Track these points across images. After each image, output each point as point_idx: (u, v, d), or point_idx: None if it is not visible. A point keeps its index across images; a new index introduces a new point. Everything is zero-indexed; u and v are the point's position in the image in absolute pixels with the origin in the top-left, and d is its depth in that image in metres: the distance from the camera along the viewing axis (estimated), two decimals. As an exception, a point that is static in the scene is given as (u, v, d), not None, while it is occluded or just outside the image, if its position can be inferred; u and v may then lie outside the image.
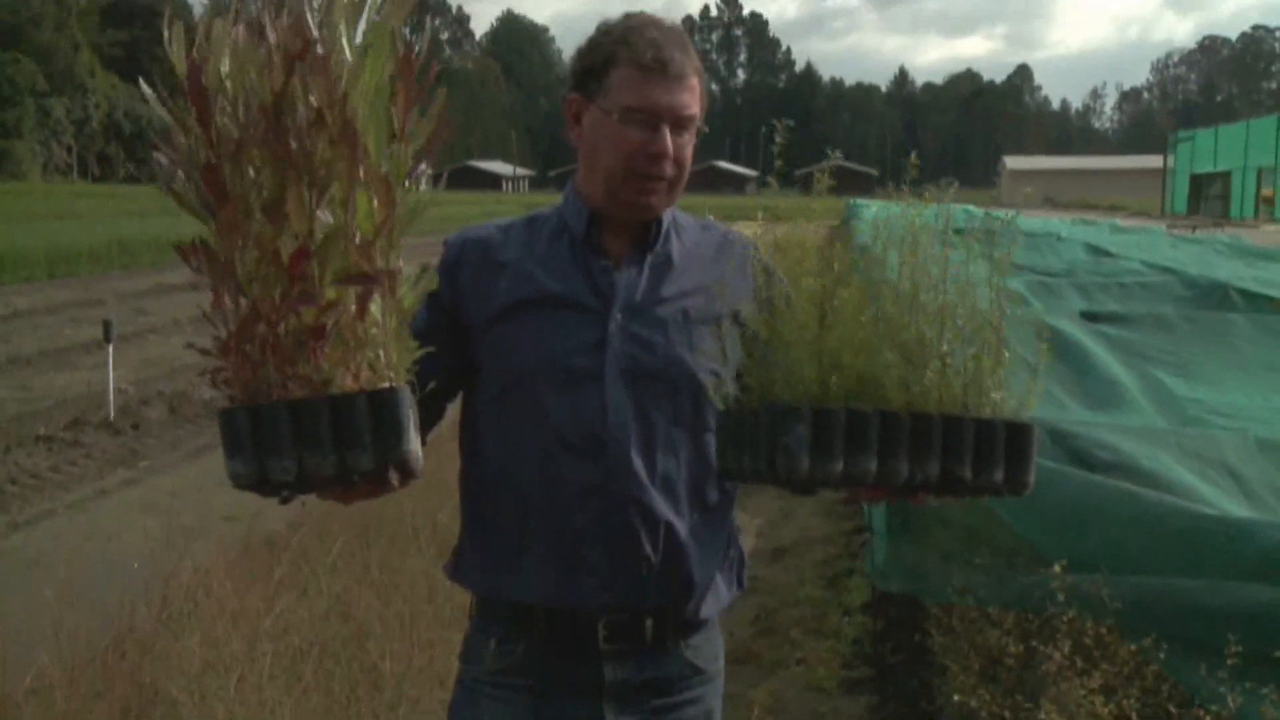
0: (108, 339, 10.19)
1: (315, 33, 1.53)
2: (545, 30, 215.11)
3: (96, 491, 8.21)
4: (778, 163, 2.13)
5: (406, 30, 1.63)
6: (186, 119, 1.51)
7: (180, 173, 1.53)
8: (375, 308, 1.60)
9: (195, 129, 1.50)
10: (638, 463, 2.14)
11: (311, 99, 1.51)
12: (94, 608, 4.69)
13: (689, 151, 2.19)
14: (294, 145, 1.50)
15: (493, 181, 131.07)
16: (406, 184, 1.62)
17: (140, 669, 4.19)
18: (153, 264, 25.29)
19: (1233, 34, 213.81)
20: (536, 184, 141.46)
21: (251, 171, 1.51)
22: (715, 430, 1.97)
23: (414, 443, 1.59)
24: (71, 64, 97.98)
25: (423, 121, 1.63)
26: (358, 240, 1.56)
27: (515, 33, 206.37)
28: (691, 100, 2.16)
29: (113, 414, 10.09)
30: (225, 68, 1.51)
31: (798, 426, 1.65)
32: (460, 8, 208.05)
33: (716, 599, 2.27)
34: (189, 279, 1.54)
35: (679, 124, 2.15)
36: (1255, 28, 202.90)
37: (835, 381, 1.69)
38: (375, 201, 1.57)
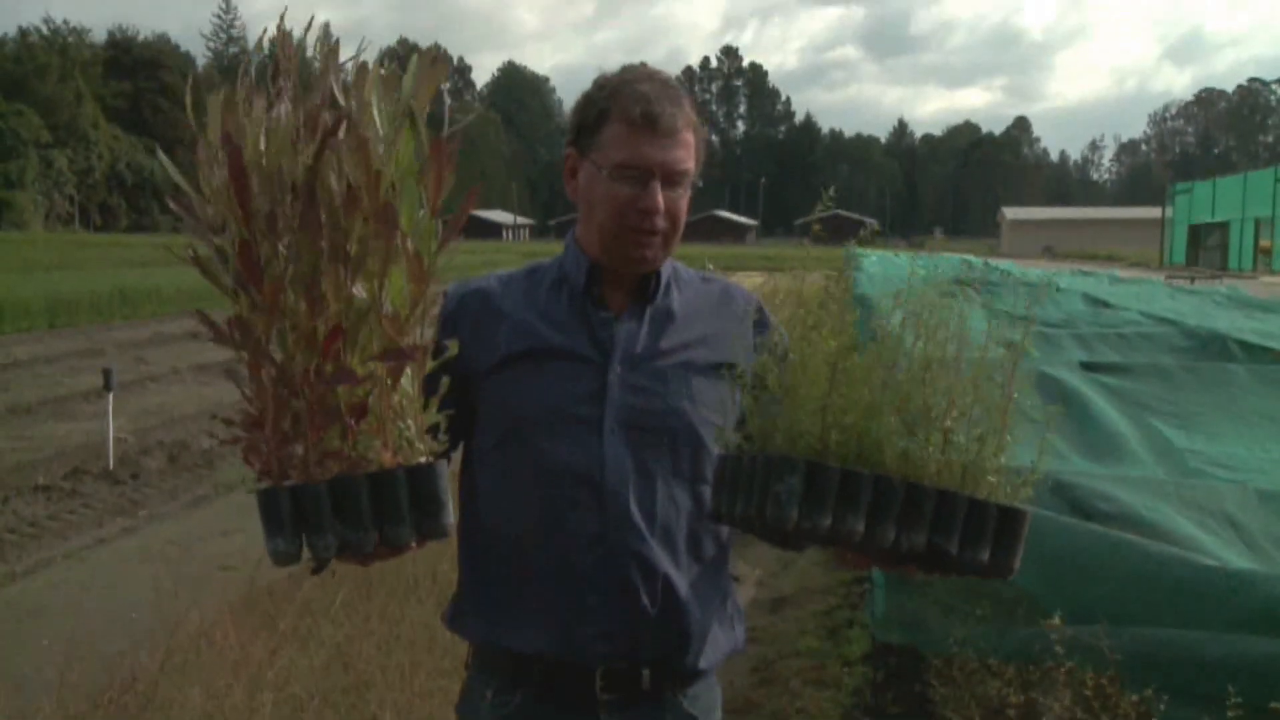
0: (108, 388, 10.19)
1: (344, 104, 1.56)
2: (546, 81, 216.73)
3: (95, 541, 8.19)
4: (816, 227, 2.14)
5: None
6: (206, 188, 1.53)
7: (204, 244, 1.55)
8: (406, 380, 1.62)
9: (234, 207, 1.52)
10: (636, 514, 2.14)
11: (346, 176, 1.53)
12: (94, 657, 4.67)
13: (683, 205, 2.19)
14: (327, 223, 1.52)
15: (493, 230, 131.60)
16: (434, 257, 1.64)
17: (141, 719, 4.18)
18: (153, 314, 25.35)
19: (1229, 87, 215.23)
20: (537, 233, 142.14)
21: (283, 248, 1.53)
22: (713, 473, 1.94)
23: (451, 515, 1.62)
24: (75, 116, 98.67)
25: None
26: (391, 315, 1.59)
27: (516, 83, 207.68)
28: (684, 155, 2.16)
29: (112, 463, 10.08)
30: (261, 144, 1.53)
31: (791, 478, 1.65)
32: (462, 58, 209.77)
33: (714, 650, 2.26)
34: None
35: (670, 179, 2.15)
36: (1251, 80, 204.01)
37: (835, 439, 1.69)
38: (408, 277, 1.60)
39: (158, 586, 5.08)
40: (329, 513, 1.54)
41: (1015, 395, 1.76)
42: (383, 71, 1.61)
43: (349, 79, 1.59)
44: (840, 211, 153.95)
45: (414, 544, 1.63)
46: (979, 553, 1.71)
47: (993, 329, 1.80)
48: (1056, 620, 3.21)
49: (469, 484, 2.30)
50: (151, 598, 5.08)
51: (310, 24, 1.60)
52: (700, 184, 2.28)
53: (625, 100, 2.15)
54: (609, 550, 2.13)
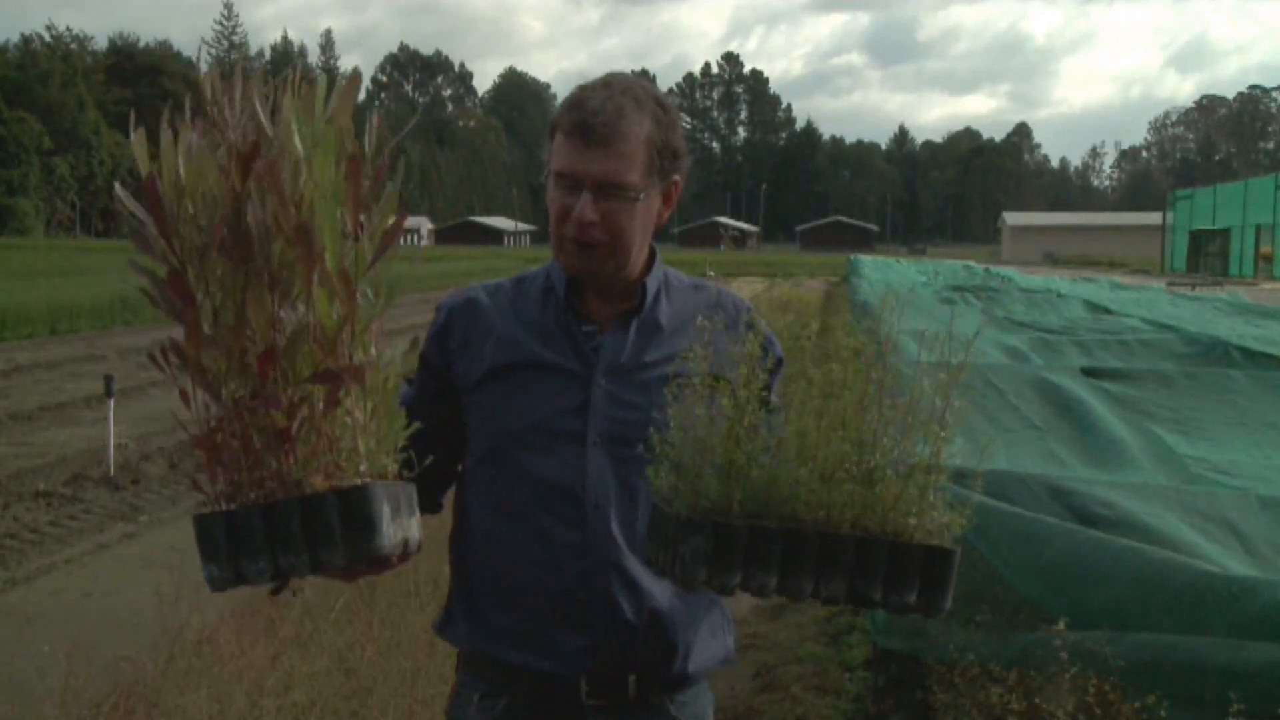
0: (109, 394, 10.18)
1: (270, 130, 1.55)
2: (547, 87, 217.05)
3: (96, 547, 8.17)
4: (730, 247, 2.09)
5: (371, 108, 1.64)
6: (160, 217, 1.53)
7: (150, 275, 1.54)
8: (348, 400, 1.60)
9: (157, 237, 1.51)
10: (617, 527, 2.14)
11: (267, 200, 1.52)
12: (95, 663, 4.67)
13: (623, 218, 2.14)
14: (256, 248, 1.52)
15: (495, 237, 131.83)
16: (366, 277, 1.62)
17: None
18: (155, 320, 25.30)
19: (1231, 94, 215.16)
20: (538, 239, 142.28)
21: (218, 271, 1.53)
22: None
23: (386, 537, 1.58)
24: (77, 122, 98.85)
25: (380, 207, 1.64)
26: (320, 338, 1.57)
27: (517, 90, 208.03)
28: (620, 167, 2.11)
29: (113, 469, 10.06)
30: (183, 173, 1.52)
31: (695, 537, 1.63)
32: (463, 65, 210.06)
33: (702, 658, 2.25)
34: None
35: (604, 190, 2.11)
36: (1252, 88, 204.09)
37: (739, 498, 1.65)
38: (336, 298, 1.58)
39: (159, 592, 5.07)
40: (261, 537, 1.53)
41: (947, 433, 1.70)
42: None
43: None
44: (841, 218, 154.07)
45: (395, 560, 1.63)
46: (905, 596, 1.66)
47: (926, 358, 1.73)
48: (1059, 626, 3.21)
49: (460, 495, 2.31)
50: (152, 603, 5.08)
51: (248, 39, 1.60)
52: (647, 190, 2.20)
53: (568, 110, 2.14)
54: (590, 564, 2.14)
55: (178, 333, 1.56)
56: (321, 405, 1.57)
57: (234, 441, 1.55)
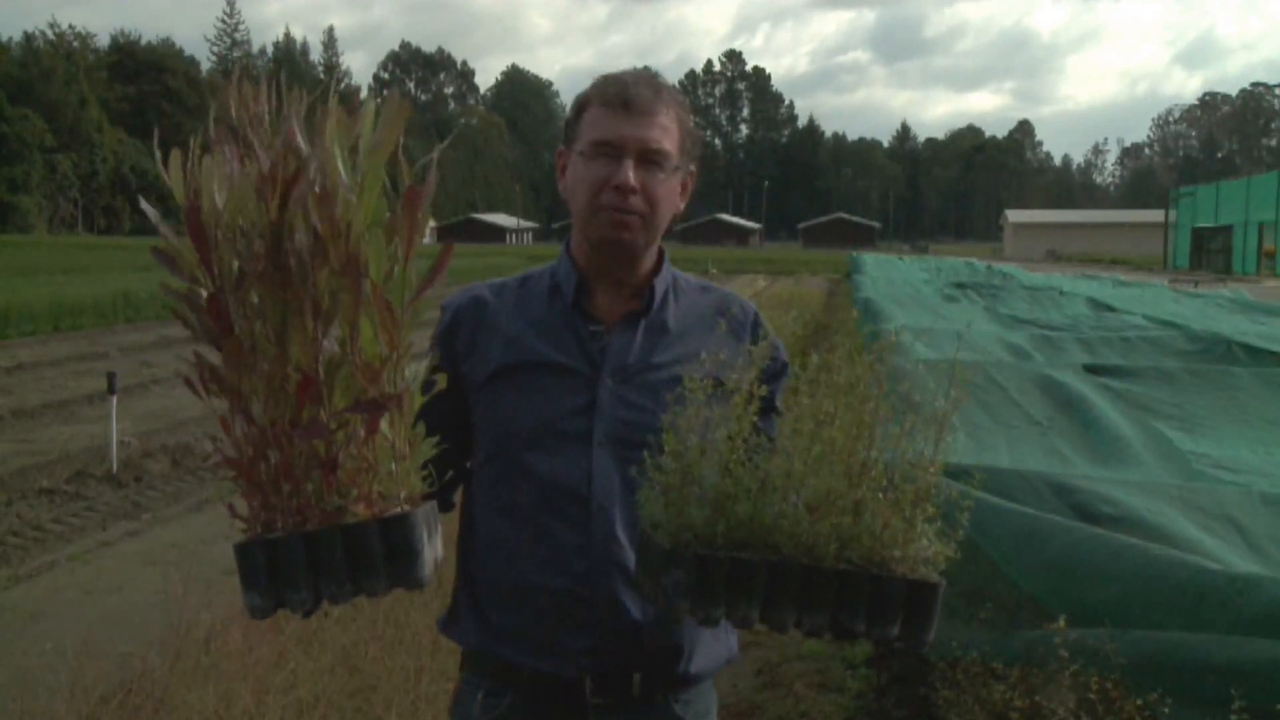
0: (111, 391, 10.18)
1: (306, 149, 1.53)
2: (549, 85, 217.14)
3: (99, 544, 8.17)
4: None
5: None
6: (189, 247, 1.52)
7: (186, 301, 1.54)
8: (386, 427, 1.60)
9: (196, 263, 1.51)
10: (621, 527, 2.14)
11: (313, 227, 1.52)
12: (101, 660, 4.67)
13: (661, 189, 2.18)
14: (295, 275, 1.51)
15: (497, 234, 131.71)
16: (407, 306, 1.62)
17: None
18: (157, 317, 25.30)
19: (1233, 91, 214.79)
20: (540, 236, 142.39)
21: (255, 298, 1.52)
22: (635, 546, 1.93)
23: (428, 567, 1.60)
24: (79, 119, 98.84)
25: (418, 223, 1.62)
26: (363, 366, 1.57)
27: (519, 87, 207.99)
28: (661, 136, 2.16)
29: (115, 466, 10.06)
30: (221, 199, 1.50)
31: (677, 570, 1.63)
32: (465, 62, 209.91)
33: (706, 658, 2.26)
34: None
35: (645, 158, 2.14)
36: (1255, 84, 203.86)
37: (723, 529, 1.65)
38: (379, 328, 1.58)
39: (163, 589, 5.08)
40: (304, 566, 1.53)
41: (936, 470, 1.70)
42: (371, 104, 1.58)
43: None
44: (843, 215, 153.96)
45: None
46: (888, 629, 1.66)
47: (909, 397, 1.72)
48: (1060, 623, 3.22)
49: (465, 494, 2.31)
50: (155, 600, 5.09)
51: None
52: (691, 170, 2.27)
53: (603, 87, 2.18)
54: (594, 564, 2.14)
55: (202, 349, 1.56)
56: (363, 432, 1.57)
57: (269, 467, 1.55)
